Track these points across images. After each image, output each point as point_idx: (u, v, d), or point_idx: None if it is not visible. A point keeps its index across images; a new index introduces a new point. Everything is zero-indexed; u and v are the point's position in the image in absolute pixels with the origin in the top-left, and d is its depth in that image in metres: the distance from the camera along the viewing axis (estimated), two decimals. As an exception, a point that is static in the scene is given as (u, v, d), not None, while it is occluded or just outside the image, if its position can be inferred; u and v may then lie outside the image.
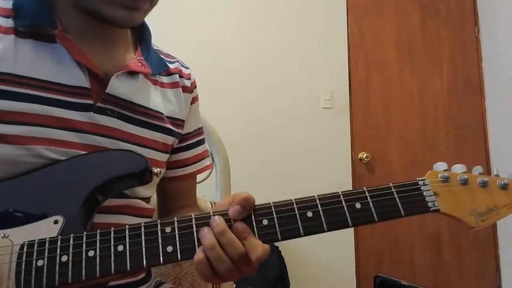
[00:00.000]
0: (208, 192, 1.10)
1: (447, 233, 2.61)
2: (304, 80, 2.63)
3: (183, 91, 0.79)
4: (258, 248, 0.53)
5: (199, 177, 0.91)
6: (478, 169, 0.61)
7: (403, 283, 1.93)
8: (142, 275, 0.74)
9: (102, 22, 0.64)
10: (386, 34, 2.77)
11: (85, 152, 0.62)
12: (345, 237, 2.52)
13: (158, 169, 0.65)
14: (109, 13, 0.62)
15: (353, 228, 2.55)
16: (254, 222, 0.55)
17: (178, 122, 0.77)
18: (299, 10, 2.70)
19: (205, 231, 0.54)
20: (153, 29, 0.79)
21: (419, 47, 2.78)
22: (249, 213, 0.56)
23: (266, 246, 0.54)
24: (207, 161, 0.87)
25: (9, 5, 0.63)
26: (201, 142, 0.85)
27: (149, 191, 0.75)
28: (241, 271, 0.54)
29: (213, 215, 0.55)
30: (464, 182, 0.60)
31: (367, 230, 2.56)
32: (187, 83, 0.81)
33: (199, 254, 0.53)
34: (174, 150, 0.79)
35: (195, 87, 0.83)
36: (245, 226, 0.54)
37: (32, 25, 0.62)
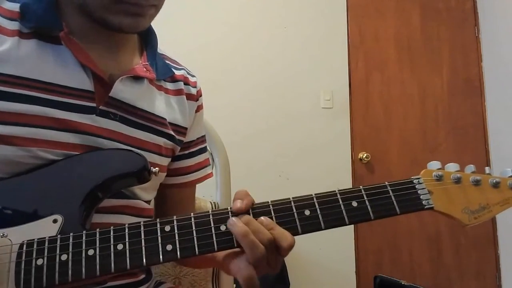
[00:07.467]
0: (208, 192, 1.09)
1: (447, 232, 2.61)
2: (304, 80, 2.63)
3: (188, 99, 0.78)
4: (288, 236, 0.55)
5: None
6: (470, 168, 0.63)
7: (403, 283, 1.93)
8: (143, 276, 0.74)
9: (108, 29, 0.64)
10: (386, 34, 2.77)
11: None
12: (345, 237, 2.52)
13: (157, 168, 0.65)
14: (114, 21, 0.62)
15: (353, 228, 2.56)
16: None
17: (181, 129, 0.77)
18: (299, 10, 2.70)
19: (234, 220, 0.55)
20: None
21: (419, 47, 2.78)
22: (249, 205, 0.57)
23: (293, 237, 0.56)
24: (208, 170, 0.87)
25: (16, 7, 0.63)
26: (203, 150, 0.85)
27: (149, 194, 0.74)
28: (269, 262, 0.56)
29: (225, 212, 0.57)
30: (457, 181, 0.61)
31: (367, 230, 2.56)
32: (193, 91, 0.80)
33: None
34: (176, 158, 0.78)
35: (201, 96, 0.83)
36: (269, 219, 0.56)
37: (38, 27, 0.62)
